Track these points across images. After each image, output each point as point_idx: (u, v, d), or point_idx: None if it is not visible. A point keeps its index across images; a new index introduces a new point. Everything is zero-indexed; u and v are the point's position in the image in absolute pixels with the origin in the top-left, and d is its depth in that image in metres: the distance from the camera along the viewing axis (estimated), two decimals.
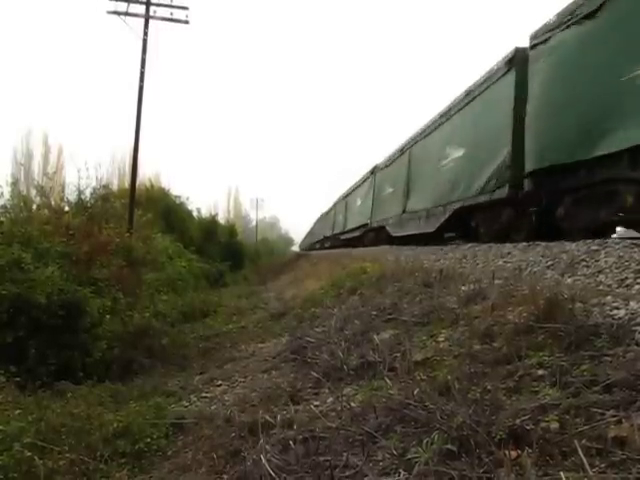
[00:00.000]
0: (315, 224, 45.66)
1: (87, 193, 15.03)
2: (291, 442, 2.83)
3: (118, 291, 9.98)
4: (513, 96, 7.76)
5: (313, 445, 2.71)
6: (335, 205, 30.32)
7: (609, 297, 3.22)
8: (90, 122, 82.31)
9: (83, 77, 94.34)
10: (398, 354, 3.68)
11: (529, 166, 7.08)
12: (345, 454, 2.47)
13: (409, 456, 2.25)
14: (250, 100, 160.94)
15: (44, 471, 3.78)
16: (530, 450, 1.96)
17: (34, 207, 16.29)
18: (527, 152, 7.16)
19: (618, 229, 6.62)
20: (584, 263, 4.44)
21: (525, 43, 7.65)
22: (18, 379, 5.99)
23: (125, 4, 16.53)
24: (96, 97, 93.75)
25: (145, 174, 29.73)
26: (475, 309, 4.00)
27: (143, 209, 19.16)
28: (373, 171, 18.84)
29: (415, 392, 2.73)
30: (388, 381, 3.27)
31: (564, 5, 6.56)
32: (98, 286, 9.46)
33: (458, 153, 10.00)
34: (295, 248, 68.39)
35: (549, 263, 4.88)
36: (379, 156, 18.96)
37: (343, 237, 25.01)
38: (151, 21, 16.78)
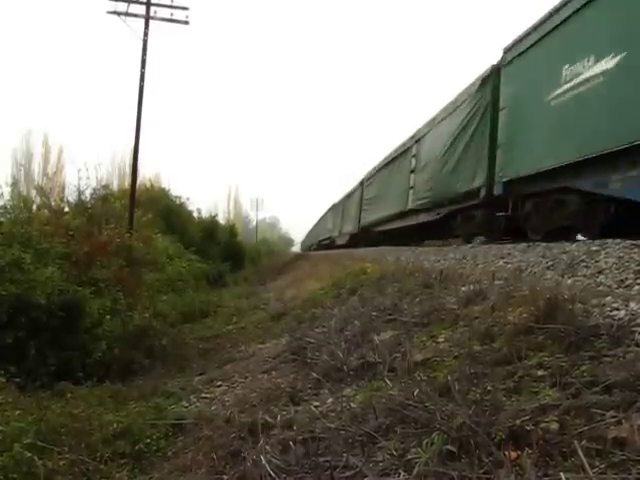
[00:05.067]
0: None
1: (87, 193, 15.07)
2: (291, 443, 2.83)
3: (118, 291, 9.96)
4: None
5: (313, 446, 2.71)
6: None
7: (609, 298, 3.22)
8: (90, 122, 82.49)
9: (83, 77, 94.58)
10: (398, 355, 3.67)
11: None
12: (345, 455, 2.47)
13: (409, 457, 2.25)
14: (250, 100, 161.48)
15: (44, 472, 3.78)
16: (530, 451, 1.96)
17: (34, 208, 16.32)
18: None
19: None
20: (584, 264, 4.43)
21: None
22: (18, 380, 5.99)
23: (125, 4, 16.54)
24: (96, 97, 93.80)
25: (145, 174, 29.84)
26: (475, 310, 3.99)
27: (143, 209, 19.12)
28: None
29: (415, 393, 2.72)
30: (388, 382, 3.27)
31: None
32: (98, 286, 9.45)
33: None
34: (295, 249, 68.18)
35: (549, 264, 4.87)
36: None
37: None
38: (151, 21, 16.79)
